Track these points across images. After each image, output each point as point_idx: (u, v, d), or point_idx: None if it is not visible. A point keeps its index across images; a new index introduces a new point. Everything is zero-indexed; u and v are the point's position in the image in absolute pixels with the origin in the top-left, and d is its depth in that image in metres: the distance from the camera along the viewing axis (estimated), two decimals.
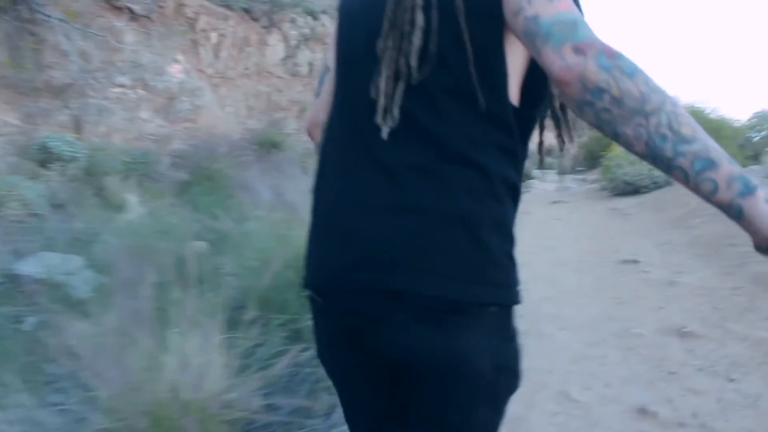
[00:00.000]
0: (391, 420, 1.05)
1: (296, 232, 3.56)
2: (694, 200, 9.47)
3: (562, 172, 28.95)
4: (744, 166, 21.21)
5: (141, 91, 11.41)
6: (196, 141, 11.34)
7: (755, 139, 33.94)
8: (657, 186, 11.61)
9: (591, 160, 23.03)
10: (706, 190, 0.77)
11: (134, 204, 7.99)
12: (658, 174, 11.76)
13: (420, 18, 0.92)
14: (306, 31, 17.05)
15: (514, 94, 0.96)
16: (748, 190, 0.75)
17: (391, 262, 0.93)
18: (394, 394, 1.02)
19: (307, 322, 3.04)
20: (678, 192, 10.41)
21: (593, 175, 19.24)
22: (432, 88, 0.94)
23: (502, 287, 0.97)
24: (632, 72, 0.77)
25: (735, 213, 0.77)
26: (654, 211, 9.67)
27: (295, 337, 3.17)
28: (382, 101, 0.95)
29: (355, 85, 1.02)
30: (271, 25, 15.75)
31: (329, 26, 18.14)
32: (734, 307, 4.37)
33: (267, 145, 13.44)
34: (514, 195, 1.02)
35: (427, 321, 0.92)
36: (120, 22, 11.01)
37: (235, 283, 3.66)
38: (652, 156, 0.79)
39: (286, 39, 16.40)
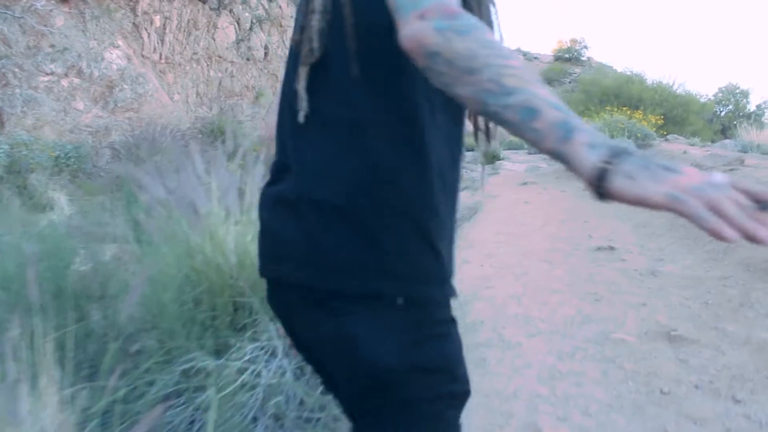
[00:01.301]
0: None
1: (197, 239, 2.87)
2: None
3: (531, 151, 28.65)
4: (714, 140, 20.99)
5: (75, 80, 10.54)
6: (138, 131, 10.52)
7: (722, 113, 34.18)
8: None
9: None
10: (532, 140, 0.71)
11: (62, 203, 7.21)
12: None
13: (318, 2, 0.92)
14: (260, 12, 16.19)
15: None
16: (567, 136, 0.67)
17: (286, 254, 0.94)
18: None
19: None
20: None
21: None
22: (333, 73, 0.92)
23: (403, 280, 0.91)
24: (466, 31, 0.72)
25: (560, 160, 0.70)
26: None
27: (193, 372, 2.49)
28: (296, 87, 0.95)
29: (286, 79, 1.03)
30: (221, 6, 14.88)
31: (285, 8, 17.29)
32: (727, 302, 3.78)
33: (218, 134, 12.67)
34: (424, 179, 0.93)
35: (320, 312, 0.92)
36: (47, 4, 10.10)
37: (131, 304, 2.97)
38: (486, 114, 0.74)
39: (238, 21, 15.54)
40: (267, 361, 2.61)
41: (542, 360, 3.21)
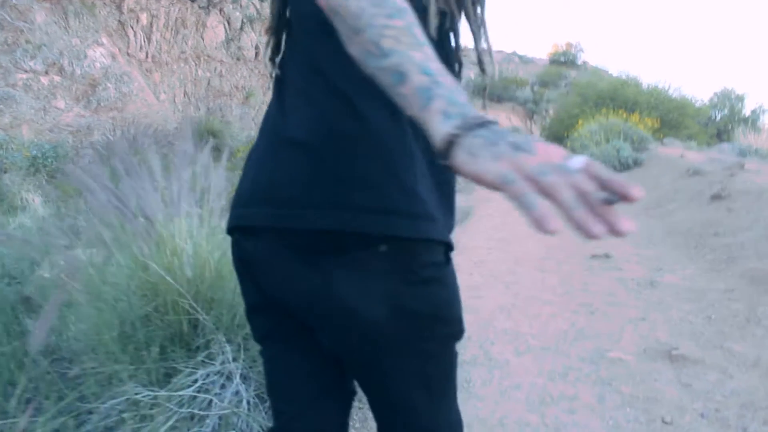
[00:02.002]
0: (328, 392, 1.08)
1: (146, 249, 2.58)
2: (667, 182, 8.72)
3: None
4: (710, 144, 20.78)
5: (55, 77, 10.23)
6: (121, 131, 10.22)
7: (717, 118, 34.06)
8: (625, 167, 10.85)
9: (555, 141, 22.27)
10: (402, 106, 0.65)
11: (36, 205, 6.90)
12: (626, 155, 11.00)
13: None
14: (251, 12, 15.91)
15: None
16: (426, 103, 0.61)
17: (273, 197, 0.91)
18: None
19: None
20: (648, 173, 9.64)
21: None
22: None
23: (392, 215, 0.86)
24: None
25: (423, 128, 0.63)
26: None
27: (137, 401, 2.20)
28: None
29: None
30: (210, 5, 14.59)
31: None
32: (732, 317, 3.51)
33: (205, 134, 12.37)
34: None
35: (302, 261, 0.90)
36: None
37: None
38: (369, 76, 0.69)
39: (228, 20, 15.25)
40: (222, 386, 2.33)
41: (532, 381, 2.93)
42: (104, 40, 11.66)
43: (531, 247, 6.16)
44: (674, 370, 2.94)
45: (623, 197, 0.54)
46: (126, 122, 10.94)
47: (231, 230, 1.02)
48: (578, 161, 0.55)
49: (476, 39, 0.98)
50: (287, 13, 0.99)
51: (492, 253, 5.93)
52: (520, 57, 66.19)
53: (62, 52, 10.38)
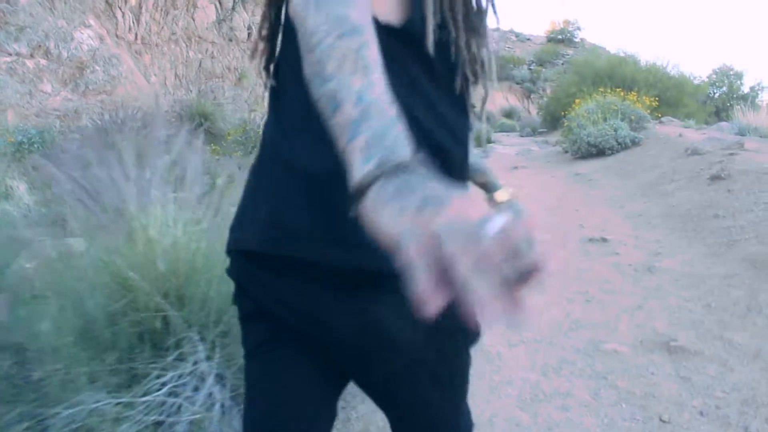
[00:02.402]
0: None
1: (119, 241, 2.44)
2: (665, 162, 8.56)
3: (523, 133, 28.21)
4: (708, 123, 20.61)
5: (41, 60, 10.01)
6: (109, 115, 10.02)
7: (716, 95, 33.85)
8: (623, 147, 10.68)
9: (553, 121, 22.05)
10: (335, 137, 0.59)
11: (21, 192, 6.75)
12: (624, 134, 10.83)
13: None
14: None
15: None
16: (351, 137, 0.56)
17: (297, 231, 0.89)
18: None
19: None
20: (646, 153, 9.49)
21: (555, 136, 18.23)
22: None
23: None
24: (320, 2, 0.65)
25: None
26: (621, 176, 8.71)
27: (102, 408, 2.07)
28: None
29: None
30: None
31: None
32: (732, 305, 3.39)
33: (197, 117, 12.18)
34: None
35: (336, 297, 0.89)
36: None
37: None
38: (316, 103, 0.63)
39: (219, 0, 14.99)
40: (195, 388, 2.20)
41: (524, 377, 2.81)
42: (92, 22, 11.41)
43: None
44: (672, 363, 2.82)
45: (532, 278, 0.45)
46: (115, 106, 10.72)
47: (237, 252, 0.96)
48: (495, 225, 0.46)
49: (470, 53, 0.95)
50: (281, 18, 0.92)
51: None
52: (517, 35, 65.62)
53: (48, 34, 10.14)
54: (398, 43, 0.83)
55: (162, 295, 2.25)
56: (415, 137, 0.75)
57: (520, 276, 0.44)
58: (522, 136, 27.73)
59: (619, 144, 10.74)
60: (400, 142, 0.55)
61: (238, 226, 0.97)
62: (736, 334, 3.01)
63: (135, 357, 2.19)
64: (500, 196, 1.41)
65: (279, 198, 0.88)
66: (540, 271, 0.45)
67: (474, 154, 1.23)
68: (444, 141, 0.91)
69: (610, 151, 10.74)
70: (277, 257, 0.88)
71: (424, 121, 0.87)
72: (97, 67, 11.02)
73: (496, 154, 18.27)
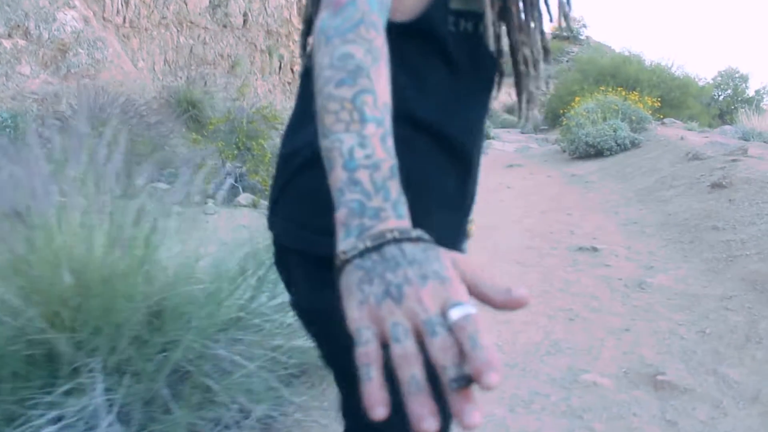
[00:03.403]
0: None
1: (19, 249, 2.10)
2: (665, 166, 8.22)
3: (524, 130, 27.84)
4: (712, 125, 20.24)
5: (20, 41, 9.63)
6: (85, 99, 9.65)
7: (720, 98, 33.53)
8: (622, 148, 10.33)
9: (554, 118, 21.63)
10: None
11: None
12: (623, 135, 10.48)
13: None
14: None
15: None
16: (336, 207, 0.56)
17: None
18: None
19: None
20: (645, 156, 9.14)
21: (555, 134, 17.85)
22: None
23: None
24: (329, 36, 0.63)
25: None
26: (618, 179, 8.36)
27: None
28: None
29: None
30: None
31: None
32: (729, 332, 3.04)
33: (184, 104, 11.84)
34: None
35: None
36: None
37: None
38: None
39: None
40: (89, 427, 1.86)
41: (489, 410, 2.47)
42: (77, 3, 11.01)
43: (513, 236, 5.68)
44: (659, 401, 2.48)
45: (477, 380, 0.42)
46: (98, 90, 10.33)
47: None
48: (456, 313, 0.46)
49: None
50: None
51: (471, 242, 5.44)
52: None
53: (28, 14, 9.76)
54: (414, 41, 0.84)
55: (58, 316, 1.91)
56: (423, 136, 0.86)
57: (462, 379, 0.43)
58: (523, 133, 27.38)
59: (618, 145, 10.38)
60: (383, 210, 0.54)
61: None
62: (733, 369, 2.67)
63: (21, 388, 1.85)
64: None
65: None
66: (480, 375, 0.41)
67: None
68: (458, 135, 0.91)
69: (608, 152, 10.39)
70: None
71: (435, 119, 0.87)
72: (81, 50, 10.63)
73: (494, 150, 17.90)
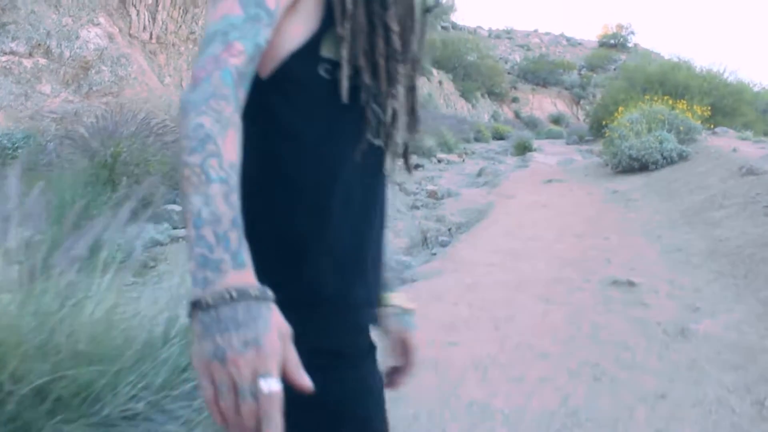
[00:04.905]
0: None
1: None
2: (715, 182, 7.50)
3: (569, 141, 26.99)
4: (767, 133, 19.09)
5: (41, 60, 9.50)
6: (109, 118, 9.44)
7: None
8: (668, 162, 9.58)
9: (599, 128, 20.78)
10: None
11: None
12: (670, 147, 9.73)
13: None
14: None
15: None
16: (189, 259, 0.65)
17: None
18: None
19: None
20: (693, 170, 8.39)
21: (599, 146, 17.04)
22: None
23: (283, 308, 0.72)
24: (187, 111, 0.70)
25: None
26: (663, 197, 7.66)
27: None
28: None
29: None
30: None
31: None
32: None
33: None
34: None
35: None
36: None
37: None
38: None
39: None
40: None
41: None
42: (101, 20, 10.87)
43: (541, 265, 5.09)
44: None
45: None
46: (122, 109, 10.13)
47: None
48: (263, 384, 0.58)
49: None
50: None
51: (492, 272, 4.89)
52: (568, 39, 64.12)
53: (50, 32, 9.63)
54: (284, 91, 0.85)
55: None
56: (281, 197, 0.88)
57: None
58: (568, 144, 26.55)
59: (664, 158, 9.64)
60: (223, 262, 0.62)
61: None
62: None
63: None
64: (395, 298, 1.09)
65: None
66: None
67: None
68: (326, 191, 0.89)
69: (653, 166, 9.65)
70: None
71: (301, 173, 0.87)
72: (104, 67, 10.47)
73: (536, 163, 17.23)
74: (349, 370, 0.89)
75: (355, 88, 0.87)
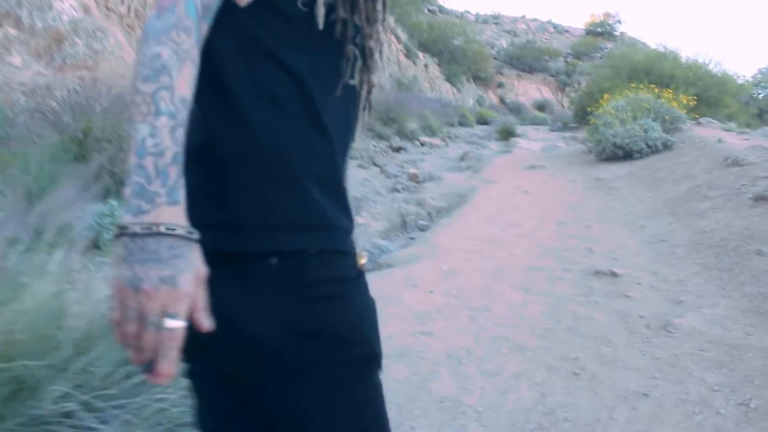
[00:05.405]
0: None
1: None
2: (700, 173, 7.38)
3: (553, 128, 26.89)
4: (751, 126, 19.15)
5: (11, 31, 9.14)
6: (81, 92, 9.13)
7: (760, 96, 32.48)
8: (653, 150, 9.47)
9: (584, 116, 20.67)
10: None
11: None
12: (655, 136, 9.62)
13: None
14: None
15: None
16: (125, 185, 0.67)
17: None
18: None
19: None
20: (678, 160, 8.30)
21: (584, 133, 16.93)
22: None
23: (274, 230, 0.82)
24: (147, 37, 0.70)
25: None
26: (647, 186, 7.54)
27: None
28: None
29: None
30: None
31: None
32: None
33: None
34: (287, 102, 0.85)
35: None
36: None
37: None
38: None
39: None
40: None
41: None
42: None
43: (521, 252, 4.95)
44: None
45: (152, 378, 0.64)
46: (97, 83, 9.82)
47: None
48: (168, 322, 0.62)
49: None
50: None
51: (470, 259, 4.73)
52: (555, 26, 63.89)
53: (21, 1, 9.27)
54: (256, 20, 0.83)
55: None
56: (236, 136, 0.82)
57: (148, 369, 0.64)
58: (552, 131, 26.41)
59: (648, 147, 9.52)
60: (158, 195, 0.64)
61: None
62: None
63: None
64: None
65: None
66: (154, 380, 0.64)
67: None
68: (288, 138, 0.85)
69: (638, 155, 9.53)
70: None
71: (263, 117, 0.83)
72: (78, 40, 10.11)
73: (518, 149, 17.11)
74: (353, 294, 0.89)
75: (334, 23, 0.86)
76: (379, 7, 0.94)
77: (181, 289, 0.63)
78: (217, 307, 0.75)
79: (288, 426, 0.88)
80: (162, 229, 0.63)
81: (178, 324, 0.62)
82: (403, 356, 2.93)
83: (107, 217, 5.62)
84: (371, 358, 0.90)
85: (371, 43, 0.94)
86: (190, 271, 0.64)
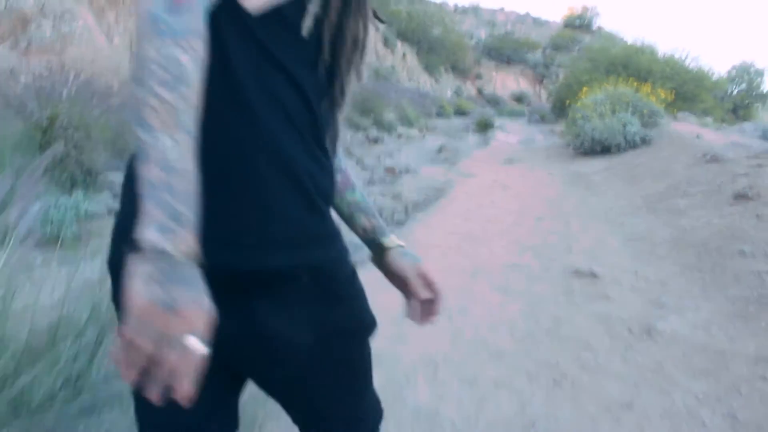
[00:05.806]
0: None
1: None
2: (679, 169, 7.34)
3: (531, 120, 26.91)
4: (726, 120, 19.30)
5: None
6: (47, 77, 8.82)
7: (734, 92, 32.88)
8: (632, 145, 9.43)
9: (562, 108, 20.67)
10: (137, 182, 0.68)
11: None
12: (633, 130, 9.58)
13: None
14: None
15: None
16: (146, 197, 0.64)
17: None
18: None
19: None
20: (656, 155, 8.25)
21: (561, 126, 16.90)
22: None
23: (296, 247, 0.85)
24: (162, 32, 0.65)
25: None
26: (626, 181, 7.48)
27: None
28: None
29: None
30: None
31: None
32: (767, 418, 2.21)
33: None
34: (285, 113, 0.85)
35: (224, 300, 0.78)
36: None
37: None
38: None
39: None
40: None
41: None
42: None
43: (499, 250, 4.84)
44: None
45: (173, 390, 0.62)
46: (64, 68, 9.49)
47: None
48: (191, 341, 0.61)
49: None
50: None
51: (447, 256, 4.61)
52: (534, 19, 63.98)
53: None
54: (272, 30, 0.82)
55: None
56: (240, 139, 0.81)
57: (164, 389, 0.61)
58: (530, 123, 26.42)
59: (627, 142, 9.49)
60: (186, 218, 0.63)
61: None
62: None
63: None
64: (389, 242, 1.14)
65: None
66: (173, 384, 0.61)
67: (362, 194, 1.12)
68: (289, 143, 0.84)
69: (616, 150, 9.50)
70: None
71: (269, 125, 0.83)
72: (45, 22, 9.79)
73: (496, 141, 17.06)
74: (359, 284, 0.98)
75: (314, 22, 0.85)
76: (358, 58, 0.95)
77: (208, 313, 0.63)
78: (257, 331, 0.83)
79: (298, 399, 0.96)
80: (191, 254, 0.63)
81: (200, 346, 0.62)
82: (378, 363, 2.79)
83: (72, 210, 5.39)
84: (374, 327, 1.00)
85: (346, 81, 0.94)
86: (207, 293, 0.64)
